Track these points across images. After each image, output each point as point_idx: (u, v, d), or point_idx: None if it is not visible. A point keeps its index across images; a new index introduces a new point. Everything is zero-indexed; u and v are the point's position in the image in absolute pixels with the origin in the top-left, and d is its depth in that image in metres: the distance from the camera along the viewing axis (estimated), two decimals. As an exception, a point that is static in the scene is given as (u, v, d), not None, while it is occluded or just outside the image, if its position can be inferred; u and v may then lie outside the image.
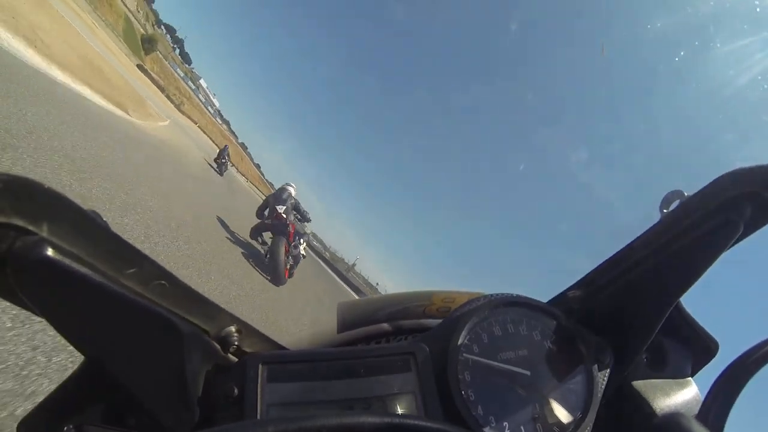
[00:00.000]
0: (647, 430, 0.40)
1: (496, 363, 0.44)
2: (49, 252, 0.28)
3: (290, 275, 7.28)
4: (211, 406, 0.38)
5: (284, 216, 7.09)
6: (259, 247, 7.68)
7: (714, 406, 0.35)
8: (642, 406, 0.46)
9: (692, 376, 0.50)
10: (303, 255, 7.90)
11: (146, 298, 0.34)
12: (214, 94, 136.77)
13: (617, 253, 0.48)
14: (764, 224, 0.41)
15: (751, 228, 0.41)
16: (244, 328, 0.42)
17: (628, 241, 0.48)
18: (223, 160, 16.94)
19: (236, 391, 0.38)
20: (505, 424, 0.40)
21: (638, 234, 0.47)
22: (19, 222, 0.27)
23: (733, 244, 0.41)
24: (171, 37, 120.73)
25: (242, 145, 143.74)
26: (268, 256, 7.02)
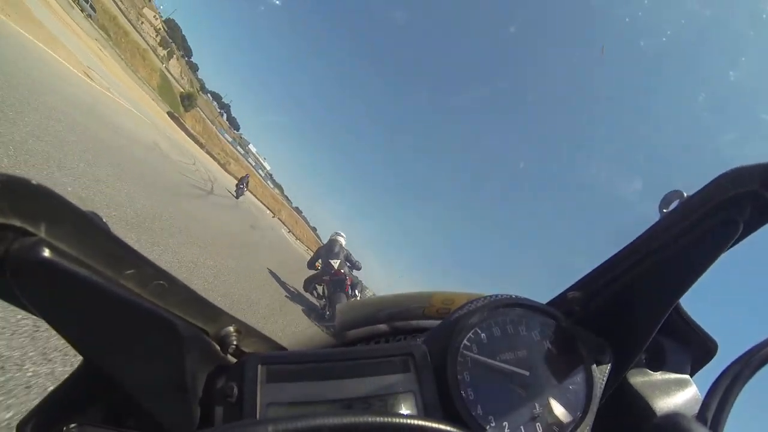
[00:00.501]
0: (647, 430, 0.40)
1: (495, 363, 0.44)
2: (48, 253, 0.27)
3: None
4: (210, 407, 0.38)
5: (341, 271, 7.07)
6: (314, 300, 7.67)
7: (713, 406, 0.35)
8: (641, 406, 0.46)
9: (691, 377, 0.50)
10: None
11: (145, 299, 0.34)
12: (264, 158, 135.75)
13: (616, 253, 0.48)
14: (764, 224, 0.41)
15: (750, 228, 0.41)
16: (244, 329, 0.42)
17: (627, 242, 0.48)
18: (242, 186, 19.74)
19: (236, 391, 0.38)
20: (505, 424, 0.40)
21: (637, 235, 0.47)
22: (17, 223, 0.26)
23: (732, 244, 0.41)
24: (217, 103, 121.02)
25: (296, 209, 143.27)
26: (328, 312, 6.96)
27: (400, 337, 0.52)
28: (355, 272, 7.65)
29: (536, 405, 0.42)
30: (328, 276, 7.08)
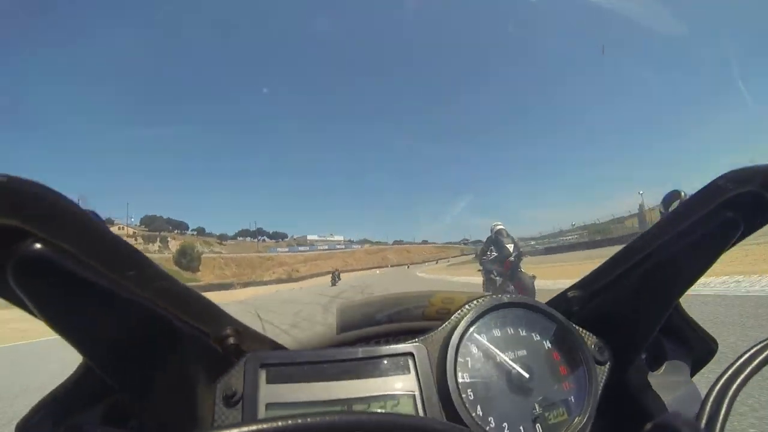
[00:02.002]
0: (647, 430, 0.39)
1: (495, 364, 0.44)
2: (48, 253, 0.27)
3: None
4: (210, 407, 0.38)
5: (515, 260, 7.90)
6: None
7: (713, 406, 0.35)
8: (641, 406, 0.46)
9: (692, 376, 0.50)
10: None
11: (146, 300, 0.34)
12: (330, 234, 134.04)
13: (617, 253, 0.48)
14: (764, 224, 0.41)
15: (751, 228, 0.41)
16: (244, 330, 0.42)
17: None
18: (337, 277, 31.82)
19: (236, 392, 0.38)
20: (505, 424, 0.40)
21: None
22: (18, 223, 0.26)
23: (732, 245, 0.41)
24: (251, 237, 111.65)
25: (398, 242, 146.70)
26: (511, 286, 7.83)
27: (400, 337, 0.52)
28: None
29: (536, 405, 0.42)
30: (507, 260, 7.89)
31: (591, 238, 42.25)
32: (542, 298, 0.51)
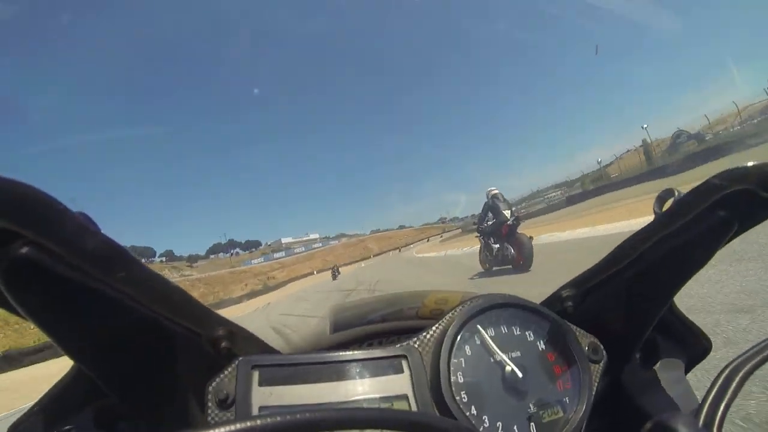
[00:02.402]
0: (641, 428, 0.40)
1: (489, 364, 0.44)
2: (38, 255, 0.27)
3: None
4: (203, 410, 0.38)
5: (513, 223, 8.01)
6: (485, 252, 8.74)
7: (711, 404, 0.35)
8: (636, 404, 0.46)
9: (686, 374, 0.50)
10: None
11: (137, 302, 0.33)
12: (306, 233, 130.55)
13: (611, 252, 0.47)
14: (758, 222, 0.41)
15: (745, 226, 0.41)
16: (237, 332, 0.42)
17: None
18: (336, 272, 31.28)
19: (228, 394, 0.38)
20: (499, 424, 0.40)
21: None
22: (6, 225, 0.26)
23: (726, 243, 0.41)
24: (223, 251, 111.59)
25: (375, 231, 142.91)
26: (513, 252, 7.92)
27: (394, 338, 0.52)
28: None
29: (530, 404, 0.42)
30: (505, 225, 7.98)
31: (585, 189, 38.47)
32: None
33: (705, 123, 34.64)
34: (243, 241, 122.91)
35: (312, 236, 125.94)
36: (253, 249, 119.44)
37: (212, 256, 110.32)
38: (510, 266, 7.94)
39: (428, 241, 71.70)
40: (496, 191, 8.62)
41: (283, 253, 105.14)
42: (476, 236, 9.12)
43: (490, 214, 8.50)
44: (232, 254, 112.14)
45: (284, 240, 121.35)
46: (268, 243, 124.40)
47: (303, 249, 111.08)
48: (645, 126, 37.77)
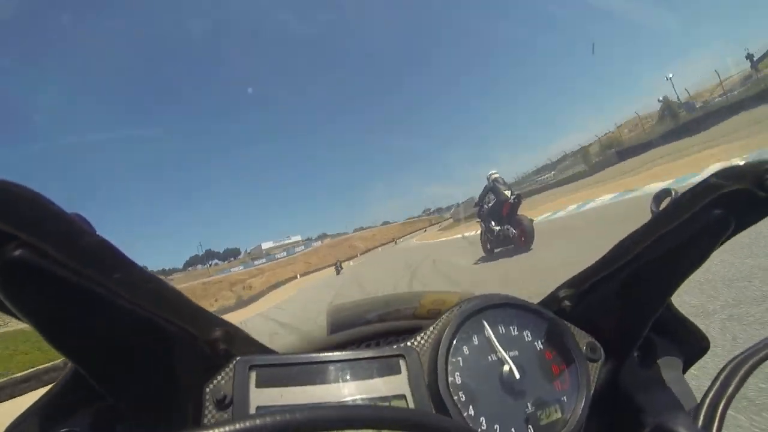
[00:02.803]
0: (639, 428, 0.40)
1: (486, 364, 0.44)
2: (34, 257, 0.27)
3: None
4: (200, 411, 0.38)
5: (514, 201, 8.33)
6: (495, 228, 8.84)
7: (710, 404, 0.34)
8: (634, 404, 0.46)
9: (684, 373, 0.50)
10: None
11: (134, 303, 0.33)
12: (288, 236, 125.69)
13: (608, 252, 0.47)
14: (755, 221, 0.41)
15: (742, 225, 0.41)
16: (234, 332, 0.42)
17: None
18: (339, 267, 33.48)
19: (226, 395, 0.38)
20: (497, 426, 0.40)
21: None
22: (1, 226, 0.26)
23: (723, 242, 0.41)
24: (201, 263, 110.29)
25: (358, 229, 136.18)
26: (514, 231, 8.22)
27: (392, 338, 0.52)
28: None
29: (528, 405, 0.42)
30: (506, 203, 8.28)
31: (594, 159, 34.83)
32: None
33: (686, 95, 33.80)
34: (221, 251, 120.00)
35: (294, 239, 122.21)
36: (232, 258, 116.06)
37: (190, 269, 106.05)
38: (512, 246, 8.34)
39: (425, 231, 71.51)
40: (497, 174, 9.01)
41: (263, 260, 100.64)
42: (477, 220, 9.52)
43: (491, 195, 8.84)
44: (210, 265, 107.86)
45: (264, 245, 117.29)
46: (248, 250, 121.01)
47: (285, 254, 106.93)
48: (670, 76, 35.07)
